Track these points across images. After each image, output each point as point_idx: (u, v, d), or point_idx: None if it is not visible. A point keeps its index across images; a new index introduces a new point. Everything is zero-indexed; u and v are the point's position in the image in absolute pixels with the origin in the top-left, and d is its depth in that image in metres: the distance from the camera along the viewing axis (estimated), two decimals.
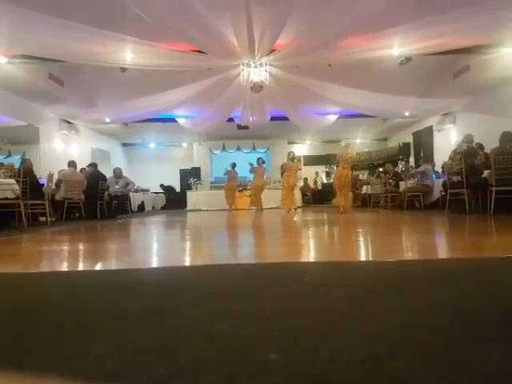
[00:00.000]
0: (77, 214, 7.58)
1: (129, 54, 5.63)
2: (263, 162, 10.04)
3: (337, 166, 8.11)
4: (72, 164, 7.74)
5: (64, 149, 9.61)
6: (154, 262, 2.43)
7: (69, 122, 9.53)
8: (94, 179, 7.79)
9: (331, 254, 2.56)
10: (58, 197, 7.24)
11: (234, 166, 10.85)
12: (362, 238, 3.37)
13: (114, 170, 9.30)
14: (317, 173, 15.15)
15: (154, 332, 0.98)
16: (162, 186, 14.37)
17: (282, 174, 12.95)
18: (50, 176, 6.60)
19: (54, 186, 7.29)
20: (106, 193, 8.35)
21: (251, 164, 10.01)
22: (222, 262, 2.24)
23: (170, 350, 0.84)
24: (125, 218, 7.65)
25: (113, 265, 2.38)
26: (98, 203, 7.72)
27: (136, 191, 11.18)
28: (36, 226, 5.72)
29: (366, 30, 5.28)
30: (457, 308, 1.13)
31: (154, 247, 3.29)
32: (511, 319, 1.03)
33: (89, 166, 8.19)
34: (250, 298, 1.32)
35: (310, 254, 2.64)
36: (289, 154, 9.17)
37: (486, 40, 5.73)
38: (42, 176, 7.08)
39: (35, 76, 6.76)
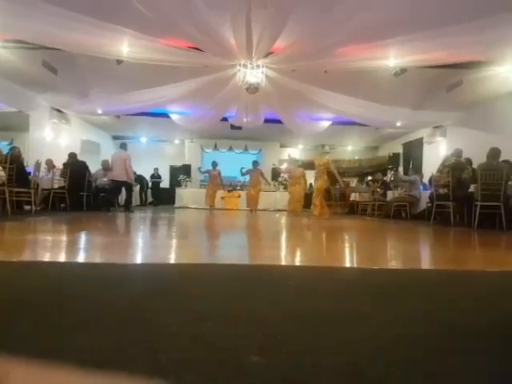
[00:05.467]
0: (62, 205, 7.47)
1: (125, 46, 5.56)
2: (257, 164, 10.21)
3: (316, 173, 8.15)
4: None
5: (53, 138, 9.43)
6: (138, 259, 2.42)
7: (60, 111, 9.36)
8: (73, 171, 7.63)
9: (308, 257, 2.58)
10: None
11: (215, 165, 10.75)
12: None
13: (103, 163, 9.17)
14: None
15: (137, 327, 0.97)
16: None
17: (272, 177, 12.96)
18: (38, 164, 6.49)
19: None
20: (94, 184, 8.24)
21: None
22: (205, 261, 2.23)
23: (152, 348, 0.83)
24: (111, 212, 7.55)
25: (96, 258, 2.36)
26: (85, 195, 7.62)
27: None
28: (20, 214, 5.62)
29: (363, 39, 5.32)
30: (440, 319, 1.15)
31: (133, 244, 3.27)
32: (493, 332, 1.05)
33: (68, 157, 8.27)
34: (233, 298, 1.32)
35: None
36: (292, 159, 9.19)
37: (479, 57, 5.83)
38: (29, 164, 6.96)
39: (28, 62, 6.62)
